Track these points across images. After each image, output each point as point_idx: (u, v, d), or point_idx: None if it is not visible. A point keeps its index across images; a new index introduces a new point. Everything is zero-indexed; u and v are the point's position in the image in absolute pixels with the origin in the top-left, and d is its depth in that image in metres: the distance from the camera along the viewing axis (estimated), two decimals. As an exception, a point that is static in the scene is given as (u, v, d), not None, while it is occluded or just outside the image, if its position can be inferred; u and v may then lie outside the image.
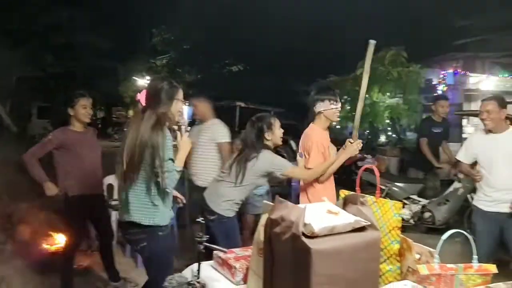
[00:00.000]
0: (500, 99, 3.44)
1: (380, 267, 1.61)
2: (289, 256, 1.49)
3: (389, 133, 11.94)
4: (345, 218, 1.58)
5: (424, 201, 5.85)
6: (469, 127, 12.74)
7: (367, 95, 9.61)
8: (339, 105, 3.19)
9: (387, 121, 10.07)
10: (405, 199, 5.94)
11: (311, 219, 1.49)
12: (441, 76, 11.08)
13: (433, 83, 11.14)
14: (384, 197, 6.04)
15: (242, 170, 3.12)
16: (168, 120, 2.52)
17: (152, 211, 2.49)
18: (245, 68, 18.24)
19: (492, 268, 1.50)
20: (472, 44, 10.76)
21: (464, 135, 11.19)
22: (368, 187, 6.07)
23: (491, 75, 11.49)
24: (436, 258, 1.51)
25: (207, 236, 1.98)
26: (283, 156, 8.21)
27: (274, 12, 13.65)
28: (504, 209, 3.32)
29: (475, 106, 12.39)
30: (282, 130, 3.36)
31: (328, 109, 3.13)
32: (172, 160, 2.42)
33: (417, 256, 1.60)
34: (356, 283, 1.50)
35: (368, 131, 11.84)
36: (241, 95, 12.56)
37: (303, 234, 1.46)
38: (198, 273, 1.92)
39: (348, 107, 10.24)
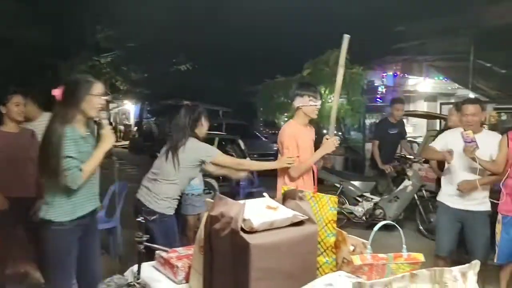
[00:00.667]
0: (481, 102, 3.70)
1: (318, 259, 1.67)
2: (229, 252, 1.51)
3: (334, 132, 12.32)
4: (284, 213, 1.62)
5: (376, 199, 6.07)
6: (409, 126, 13.44)
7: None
8: (319, 102, 3.17)
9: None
10: (358, 196, 6.17)
11: (250, 214, 1.51)
12: (381, 78, 11.61)
13: (374, 84, 11.65)
14: (339, 195, 6.19)
15: (176, 162, 3.07)
16: (80, 116, 2.48)
17: (47, 207, 2.47)
18: (194, 67, 18.02)
19: (420, 257, 1.60)
20: (410, 47, 11.33)
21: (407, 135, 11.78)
22: (322, 185, 6.28)
23: (428, 77, 12.18)
24: (368, 249, 1.58)
25: (147, 236, 1.95)
26: (231, 156, 8.25)
27: (223, 12, 13.63)
28: (469, 206, 3.52)
29: (413, 107, 13.10)
30: (208, 123, 3.35)
31: (307, 105, 3.13)
32: (72, 157, 2.35)
33: (352, 248, 1.66)
34: (294, 276, 1.54)
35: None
36: (189, 94, 12.44)
37: (242, 229, 1.48)
38: (138, 273, 1.88)
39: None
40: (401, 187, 5.95)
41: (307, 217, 1.64)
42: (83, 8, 16.36)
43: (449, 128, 4.47)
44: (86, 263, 2.62)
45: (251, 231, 1.50)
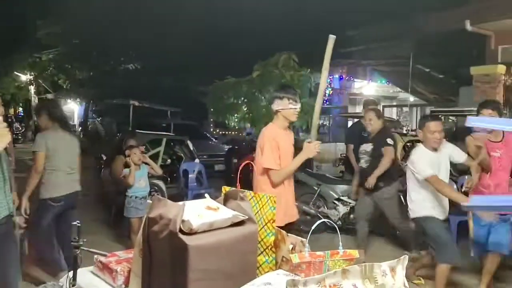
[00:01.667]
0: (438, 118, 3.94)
1: (258, 259, 1.69)
2: (167, 254, 1.49)
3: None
4: (224, 214, 1.62)
5: (353, 203, 5.73)
6: (354, 128, 13.93)
7: (263, 97, 9.96)
8: (299, 105, 3.04)
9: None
10: (336, 200, 5.87)
11: (189, 216, 1.50)
12: (328, 80, 11.94)
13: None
14: (317, 197, 5.86)
15: None
16: None
17: None
18: (143, 67, 17.57)
19: (355, 254, 1.66)
20: (356, 52, 11.75)
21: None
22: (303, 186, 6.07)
23: (372, 81, 12.70)
24: (307, 247, 1.62)
25: (84, 240, 1.88)
26: (180, 157, 8.12)
27: (173, 12, 13.41)
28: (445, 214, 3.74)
29: (359, 109, 13.59)
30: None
31: (286, 109, 2.99)
32: None
33: (291, 246, 1.70)
34: (234, 275, 1.54)
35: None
36: (137, 94, 12.12)
37: (181, 231, 1.47)
38: (74, 279, 1.81)
39: (245, 109, 10.48)
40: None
41: (247, 217, 1.65)
42: (24, 2, 15.48)
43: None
44: (2, 270, 2.46)
45: (191, 233, 1.49)
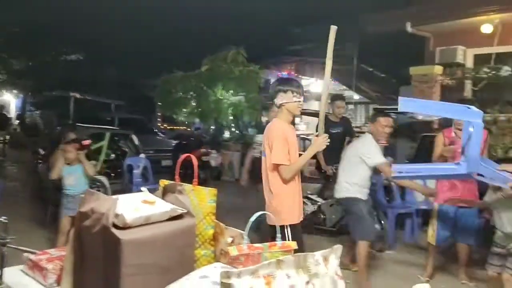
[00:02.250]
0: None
1: (196, 252, 1.67)
2: (100, 249, 1.44)
3: (233, 129, 12.53)
4: (162, 207, 1.59)
5: (322, 202, 5.62)
6: (302, 124, 14.20)
7: (211, 91, 9.92)
8: (302, 98, 2.95)
9: (231, 117, 10.53)
10: (304, 198, 5.52)
11: (124, 209, 1.46)
12: (277, 77, 12.09)
13: (271, 83, 12.07)
14: None
15: None
16: None
17: None
18: (86, 58, 16.83)
19: (293, 245, 1.69)
20: (304, 49, 11.97)
21: (297, 132, 12.41)
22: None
23: (319, 78, 12.97)
24: (245, 240, 1.63)
25: (13, 237, 1.77)
26: (125, 152, 7.89)
27: (121, 4, 12.96)
28: None
29: (306, 106, 13.85)
30: None
31: (291, 102, 2.87)
32: None
33: (230, 239, 1.70)
34: (171, 270, 1.52)
35: (213, 127, 12.19)
36: (80, 86, 11.62)
37: (115, 225, 1.42)
38: (1, 278, 1.70)
39: (194, 104, 10.39)
40: None
41: (186, 211, 1.63)
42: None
43: None
44: None
45: (125, 227, 1.44)
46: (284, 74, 11.83)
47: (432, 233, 4.19)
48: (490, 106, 7.73)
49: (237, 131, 11.60)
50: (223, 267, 1.52)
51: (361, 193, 3.96)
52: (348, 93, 14.24)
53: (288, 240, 2.72)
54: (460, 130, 3.97)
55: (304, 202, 5.39)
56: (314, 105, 14.26)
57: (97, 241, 1.44)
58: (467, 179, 3.73)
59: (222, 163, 9.90)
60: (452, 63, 8.52)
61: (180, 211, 1.62)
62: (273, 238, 2.71)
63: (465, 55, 8.87)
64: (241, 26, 11.45)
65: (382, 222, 4.90)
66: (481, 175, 2.55)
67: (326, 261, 1.36)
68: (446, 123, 6.64)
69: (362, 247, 3.88)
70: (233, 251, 1.57)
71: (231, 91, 10.19)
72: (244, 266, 1.58)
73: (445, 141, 4.11)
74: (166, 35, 13.01)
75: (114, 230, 1.38)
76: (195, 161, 1.78)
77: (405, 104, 2.50)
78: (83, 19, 13.93)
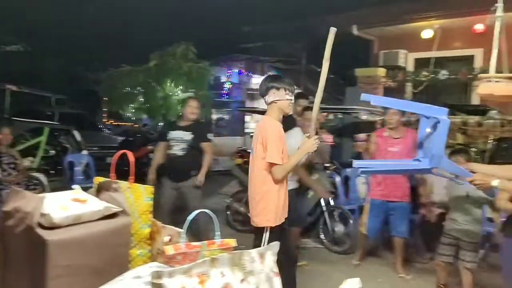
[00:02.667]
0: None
1: (131, 252, 1.62)
2: (25, 250, 1.36)
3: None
4: (94, 206, 1.52)
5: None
6: (252, 123, 14.27)
7: (160, 87, 9.69)
8: (293, 96, 2.86)
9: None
10: None
11: (51, 208, 1.38)
12: (227, 74, 12.06)
13: (221, 80, 12.03)
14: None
15: None
16: None
17: None
18: (26, 49, 15.87)
19: (232, 243, 1.68)
20: (254, 48, 12.03)
21: (247, 130, 12.47)
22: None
23: (269, 77, 13.10)
24: (182, 238, 1.59)
25: None
26: (65, 148, 7.52)
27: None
28: None
29: (257, 104, 13.93)
30: None
31: (283, 100, 2.78)
32: None
33: (168, 238, 1.66)
34: (104, 270, 1.46)
35: (161, 124, 11.92)
36: (20, 78, 10.94)
37: (41, 225, 1.34)
38: None
39: (142, 99, 10.11)
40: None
41: (120, 209, 1.57)
42: None
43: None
44: None
45: (53, 227, 1.36)
46: (234, 71, 11.84)
47: (363, 223, 4.46)
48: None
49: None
50: (159, 267, 1.48)
51: (294, 183, 4.00)
52: (297, 92, 14.53)
53: (266, 242, 2.69)
54: (392, 129, 4.21)
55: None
56: (264, 104, 14.37)
57: (21, 241, 1.35)
58: (424, 174, 3.89)
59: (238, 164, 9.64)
60: (395, 66, 8.91)
61: (114, 209, 1.56)
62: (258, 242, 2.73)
63: (407, 59, 9.31)
64: (192, 23, 11.28)
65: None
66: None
67: (262, 258, 1.36)
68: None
69: (295, 233, 4.05)
70: (169, 250, 1.53)
71: (181, 88, 10.01)
72: (181, 265, 1.55)
73: (378, 141, 4.29)
74: (115, 29, 12.55)
75: (39, 230, 1.31)
76: (131, 158, 1.72)
77: (377, 100, 2.62)
78: (27, 10, 13.12)
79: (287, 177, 2.84)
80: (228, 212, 5.79)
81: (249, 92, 12.66)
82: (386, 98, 2.60)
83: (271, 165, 2.70)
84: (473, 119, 7.29)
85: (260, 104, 14.56)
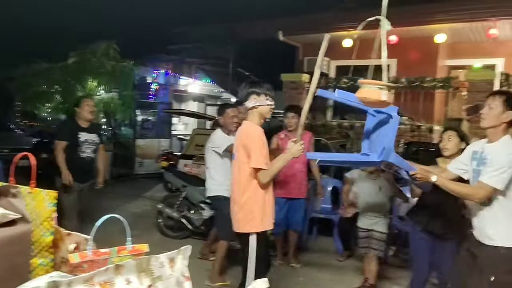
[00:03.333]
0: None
1: (31, 261, 1.50)
2: None
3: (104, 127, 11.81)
4: (-12, 213, 1.39)
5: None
6: (180, 125, 14.05)
7: (79, 86, 9.19)
8: (273, 102, 2.87)
9: (102, 115, 9.90)
10: (202, 203, 5.27)
11: None
12: (154, 75, 11.75)
13: (147, 81, 11.69)
14: (182, 200, 5.25)
15: None
16: None
17: None
18: None
19: (144, 248, 1.62)
20: (183, 49, 11.87)
21: (174, 132, 12.25)
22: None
23: (197, 79, 13.01)
24: (89, 245, 1.51)
25: None
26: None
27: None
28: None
29: (184, 106, 13.75)
30: None
31: (264, 105, 2.80)
32: None
33: (73, 246, 1.56)
34: (-2, 283, 1.34)
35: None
36: None
37: None
38: None
39: (59, 98, 9.52)
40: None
41: (19, 216, 1.45)
42: None
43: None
44: None
45: None
46: (161, 72, 11.57)
47: None
48: (347, 113, 8.63)
49: (109, 130, 10.95)
50: (61, 276, 1.39)
51: (228, 191, 3.95)
52: (226, 95, 14.55)
53: (253, 247, 2.70)
54: (291, 131, 4.43)
55: (201, 208, 5.26)
56: (192, 106, 14.23)
57: None
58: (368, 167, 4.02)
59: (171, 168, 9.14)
60: (318, 72, 9.26)
61: (12, 216, 1.43)
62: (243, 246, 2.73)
63: (329, 66, 9.75)
64: (118, 21, 10.87)
65: None
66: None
67: (172, 263, 1.33)
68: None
69: (222, 245, 3.98)
70: (74, 258, 1.44)
71: (103, 87, 9.58)
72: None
73: (278, 142, 4.52)
74: (35, 26, 11.68)
75: None
76: (33, 160, 1.61)
77: (342, 94, 2.70)
78: None
79: (271, 184, 2.85)
80: (159, 219, 5.53)
81: (176, 93, 12.45)
82: (349, 93, 2.72)
83: (256, 170, 2.72)
84: (360, 122, 7.83)
85: (188, 106, 14.40)
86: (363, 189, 4.01)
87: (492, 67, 8.76)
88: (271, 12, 9.87)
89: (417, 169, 2.57)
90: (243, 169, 2.77)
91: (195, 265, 4.03)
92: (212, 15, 10.96)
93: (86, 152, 4.33)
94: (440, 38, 8.54)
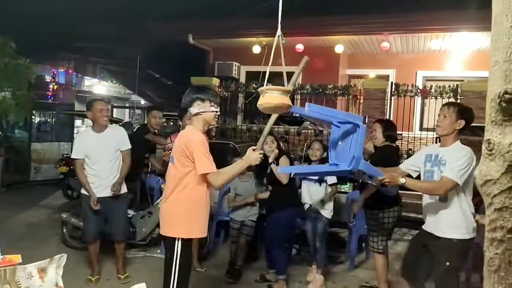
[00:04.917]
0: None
1: None
2: None
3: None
4: None
5: (131, 213, 4.92)
6: (84, 127, 13.26)
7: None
8: (218, 108, 2.81)
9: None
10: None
11: None
12: (52, 74, 10.95)
13: (45, 80, 10.85)
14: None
15: None
16: None
17: None
18: None
19: (17, 259, 1.50)
20: (88, 48, 11.24)
21: (76, 135, 11.52)
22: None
23: (102, 80, 12.40)
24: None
25: None
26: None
27: None
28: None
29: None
30: None
31: (208, 112, 2.75)
32: None
33: None
34: None
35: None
36: None
37: None
38: None
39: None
40: (157, 201, 4.86)
41: None
42: None
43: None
44: None
45: None
46: (61, 71, 10.82)
47: None
48: (256, 118, 8.85)
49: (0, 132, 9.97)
50: None
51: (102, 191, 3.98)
52: (135, 97, 14.08)
53: (177, 253, 2.61)
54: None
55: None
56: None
57: None
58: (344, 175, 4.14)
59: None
60: (228, 77, 9.41)
61: None
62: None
63: (239, 71, 9.92)
64: (14, 15, 9.93)
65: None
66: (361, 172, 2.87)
67: (43, 273, 1.25)
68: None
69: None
70: None
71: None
72: None
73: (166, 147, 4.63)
74: None
75: None
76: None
77: (311, 108, 2.78)
78: None
79: (206, 193, 2.77)
80: (64, 230, 5.01)
81: (79, 94, 11.72)
82: (319, 106, 2.83)
83: (205, 175, 2.66)
84: (293, 128, 8.18)
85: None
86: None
87: (386, 77, 9.60)
88: (183, 14, 9.77)
89: (384, 174, 2.78)
90: (179, 174, 2.73)
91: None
92: (122, 13, 10.53)
93: None
94: (339, 49, 9.16)
